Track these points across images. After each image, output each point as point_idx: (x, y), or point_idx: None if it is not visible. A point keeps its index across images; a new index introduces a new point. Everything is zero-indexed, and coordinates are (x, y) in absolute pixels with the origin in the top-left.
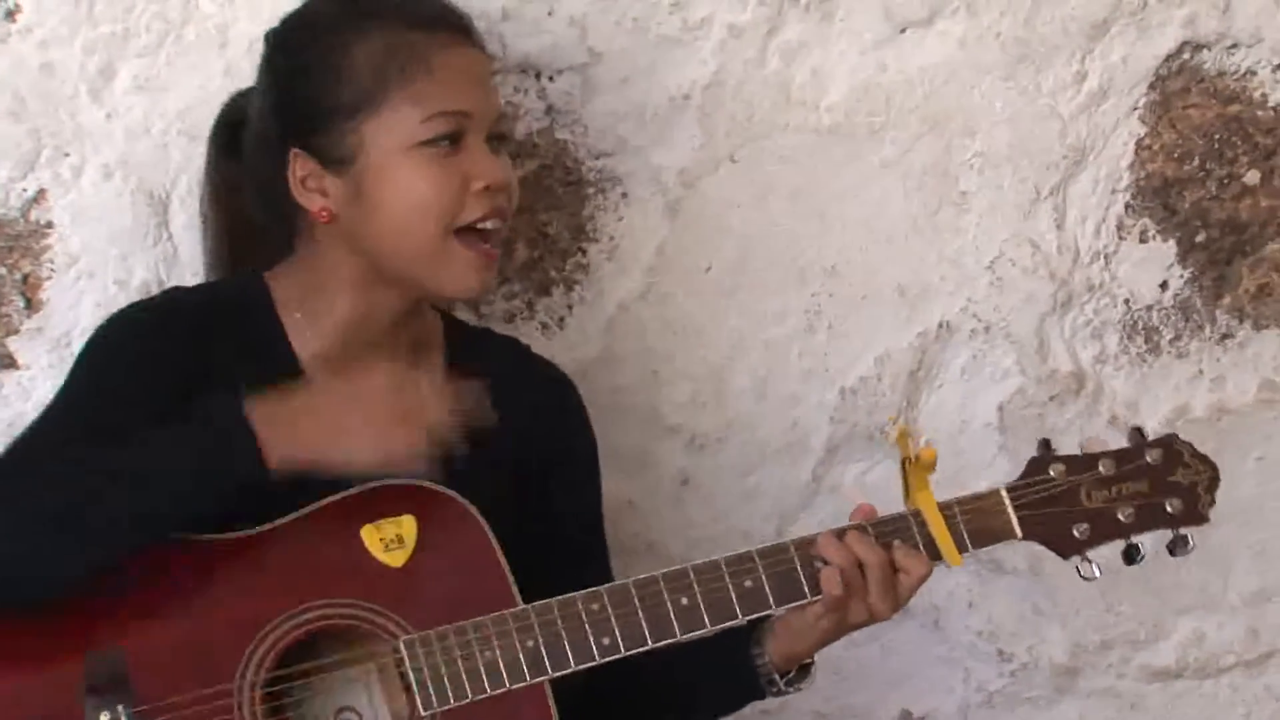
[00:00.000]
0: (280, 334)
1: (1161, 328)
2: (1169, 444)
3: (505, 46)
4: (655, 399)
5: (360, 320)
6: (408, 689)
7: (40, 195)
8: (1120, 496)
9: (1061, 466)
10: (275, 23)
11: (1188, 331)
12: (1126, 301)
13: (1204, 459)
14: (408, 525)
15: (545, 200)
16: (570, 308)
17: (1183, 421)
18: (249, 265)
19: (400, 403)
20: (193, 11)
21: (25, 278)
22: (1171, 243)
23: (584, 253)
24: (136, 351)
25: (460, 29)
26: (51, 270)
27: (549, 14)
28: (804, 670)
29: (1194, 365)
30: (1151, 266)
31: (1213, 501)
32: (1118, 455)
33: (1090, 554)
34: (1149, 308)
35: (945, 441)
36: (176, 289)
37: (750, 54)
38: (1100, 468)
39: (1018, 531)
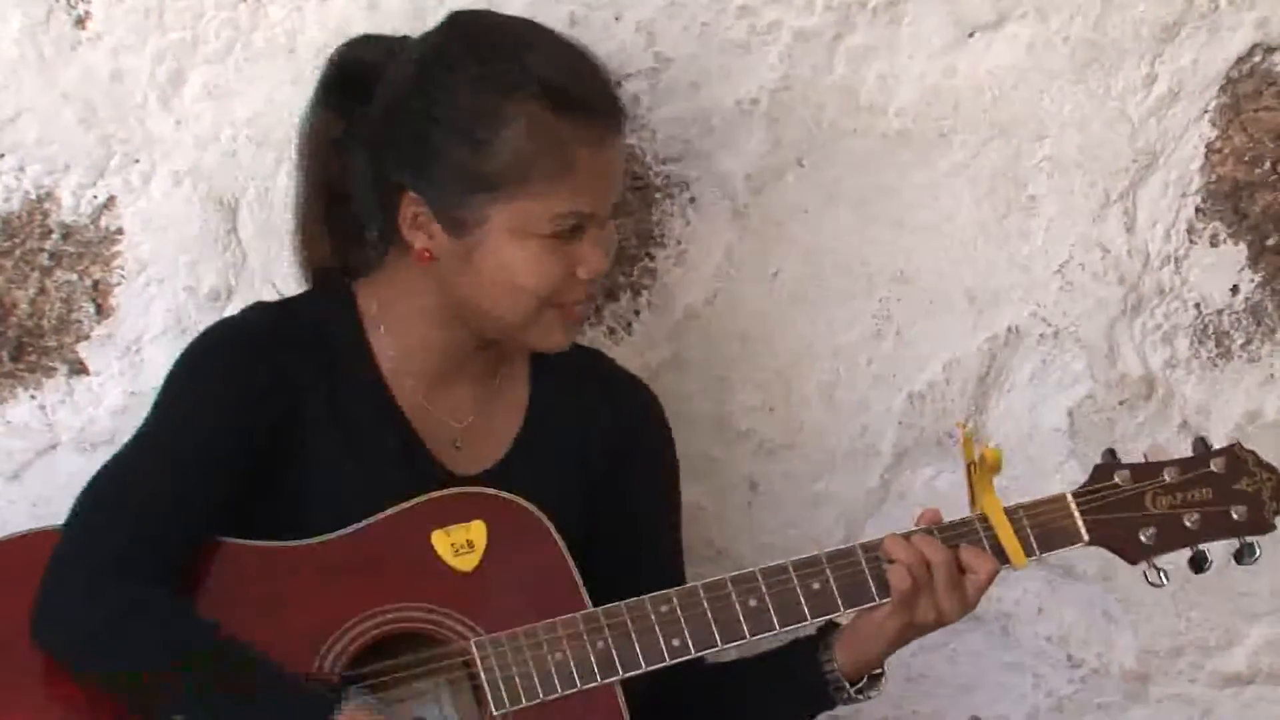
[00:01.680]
0: (365, 349)
1: (1232, 332)
2: (1233, 452)
3: None
4: (723, 404)
5: (443, 347)
6: (478, 689)
7: (110, 202)
8: (1186, 504)
9: (1127, 473)
10: (344, 31)
11: (1259, 336)
12: (1197, 306)
13: (1269, 467)
14: (477, 530)
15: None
16: (638, 313)
17: (1254, 426)
18: (342, 250)
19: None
20: (261, 19)
21: (95, 284)
22: (1242, 246)
23: (651, 258)
24: (224, 374)
25: (609, 115)
26: (121, 277)
27: (616, 19)
28: (874, 679)
29: (1265, 370)
30: (1222, 270)
31: (1278, 510)
32: (1182, 463)
33: (1157, 560)
34: (1220, 312)
35: (1014, 447)
36: (261, 304)
37: (818, 59)
38: (1165, 475)
39: (1084, 535)
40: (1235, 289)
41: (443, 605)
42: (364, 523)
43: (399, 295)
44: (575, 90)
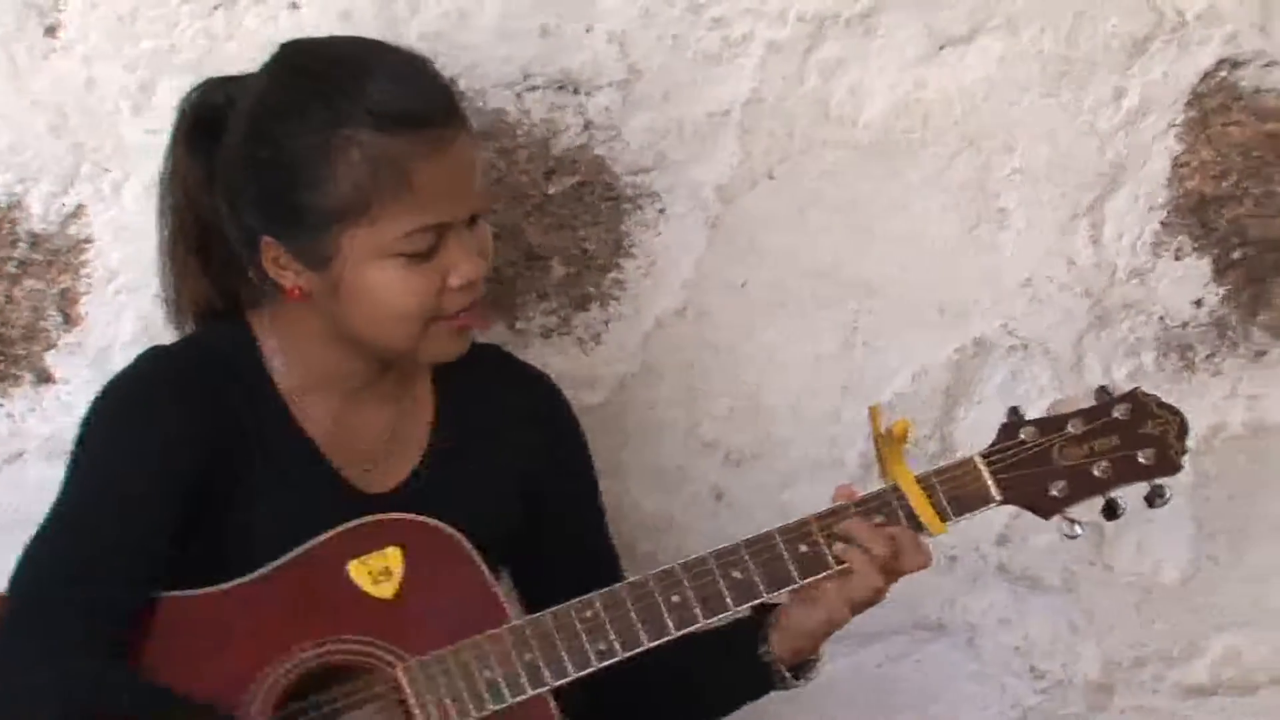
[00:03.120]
0: (268, 380)
1: (1197, 345)
2: (1135, 397)
3: (544, 62)
4: (692, 415)
5: (344, 370)
6: (410, 715)
7: (79, 210)
8: (1094, 453)
9: (1033, 429)
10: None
11: (1223, 349)
12: (1162, 319)
13: (1171, 409)
14: (393, 556)
15: (583, 216)
16: (607, 324)
17: (1219, 439)
18: (231, 283)
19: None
20: (235, 28)
21: (64, 293)
22: (1208, 260)
23: (621, 269)
24: (139, 430)
25: (444, 123)
26: (89, 285)
27: (588, 30)
28: (810, 664)
29: (1229, 383)
30: (1187, 284)
31: (1184, 450)
32: (1086, 413)
33: (1070, 512)
34: (1184, 325)
35: None
36: (156, 350)
37: (790, 70)
38: (1070, 427)
39: (996, 495)
40: (1200, 302)
41: (368, 635)
42: (281, 560)
43: (291, 325)
44: (404, 106)
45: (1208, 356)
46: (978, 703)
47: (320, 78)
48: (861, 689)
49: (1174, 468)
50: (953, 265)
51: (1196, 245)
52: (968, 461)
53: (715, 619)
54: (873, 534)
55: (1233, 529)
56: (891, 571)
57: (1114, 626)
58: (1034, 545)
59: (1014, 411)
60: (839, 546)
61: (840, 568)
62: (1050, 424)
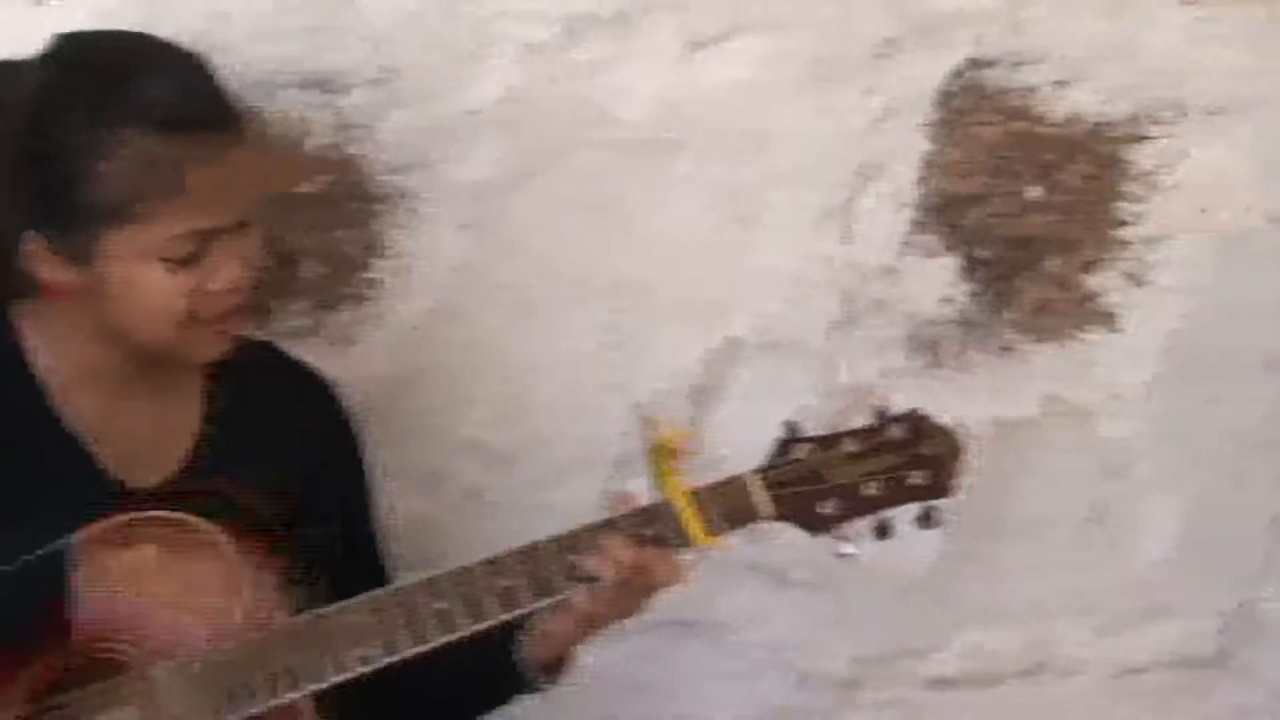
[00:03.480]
0: (30, 375)
1: (945, 342)
2: (912, 418)
3: (297, 61)
4: (450, 416)
5: (111, 364)
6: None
7: None
8: (867, 473)
9: (808, 445)
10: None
11: (971, 346)
12: (911, 316)
13: (947, 431)
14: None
15: (335, 216)
16: (360, 325)
17: (965, 435)
18: None
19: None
20: None
21: None
22: (956, 259)
23: (375, 269)
24: None
25: (222, 128)
26: None
27: (343, 29)
28: (561, 668)
29: (977, 379)
30: (936, 282)
31: (958, 473)
32: (863, 432)
33: (841, 531)
34: (933, 322)
35: (735, 456)
36: None
37: (548, 70)
38: (846, 445)
39: (767, 511)
40: (948, 300)
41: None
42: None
43: (56, 318)
44: (178, 108)
45: (956, 353)
46: (728, 700)
47: (96, 74)
48: (612, 688)
49: (947, 491)
50: (708, 264)
51: (945, 244)
52: (741, 477)
53: (479, 626)
54: (629, 551)
55: (979, 524)
56: (646, 588)
57: (863, 622)
58: (785, 542)
59: (790, 427)
60: (596, 559)
61: (598, 581)
62: (825, 442)
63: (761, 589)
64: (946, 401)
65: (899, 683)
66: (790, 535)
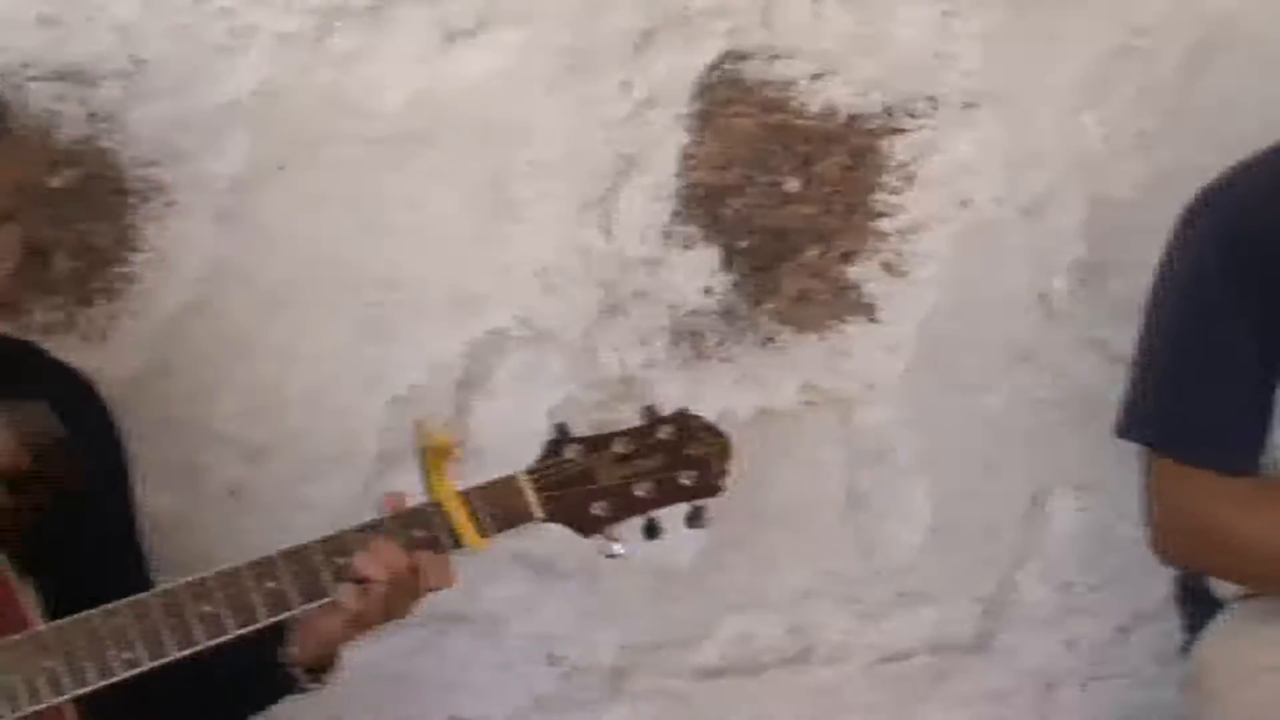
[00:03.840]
0: None
1: (707, 333)
2: (681, 419)
3: (45, 52)
4: (206, 411)
5: None
6: None
7: None
8: (636, 473)
9: (578, 447)
10: None
11: (732, 337)
12: (673, 307)
13: (715, 431)
14: None
15: (87, 210)
16: (114, 319)
17: (729, 425)
18: None
19: None
20: None
21: None
22: (716, 250)
23: (129, 263)
24: None
25: None
26: None
27: (89, 19)
28: (327, 669)
29: (738, 369)
30: (697, 273)
31: (726, 472)
32: (632, 433)
33: (612, 531)
34: (694, 313)
35: (498, 449)
36: None
37: (301, 61)
38: (615, 446)
39: (538, 513)
40: (709, 291)
41: None
42: None
43: None
44: None
45: (718, 344)
46: (498, 692)
47: None
48: (381, 682)
49: (716, 490)
50: (467, 257)
51: (705, 235)
52: (511, 478)
53: (247, 629)
54: (399, 553)
55: (743, 512)
56: (416, 590)
57: (630, 612)
58: (552, 534)
59: (560, 429)
60: (365, 562)
61: (367, 584)
62: (595, 443)
63: (529, 581)
64: (708, 391)
65: (665, 672)
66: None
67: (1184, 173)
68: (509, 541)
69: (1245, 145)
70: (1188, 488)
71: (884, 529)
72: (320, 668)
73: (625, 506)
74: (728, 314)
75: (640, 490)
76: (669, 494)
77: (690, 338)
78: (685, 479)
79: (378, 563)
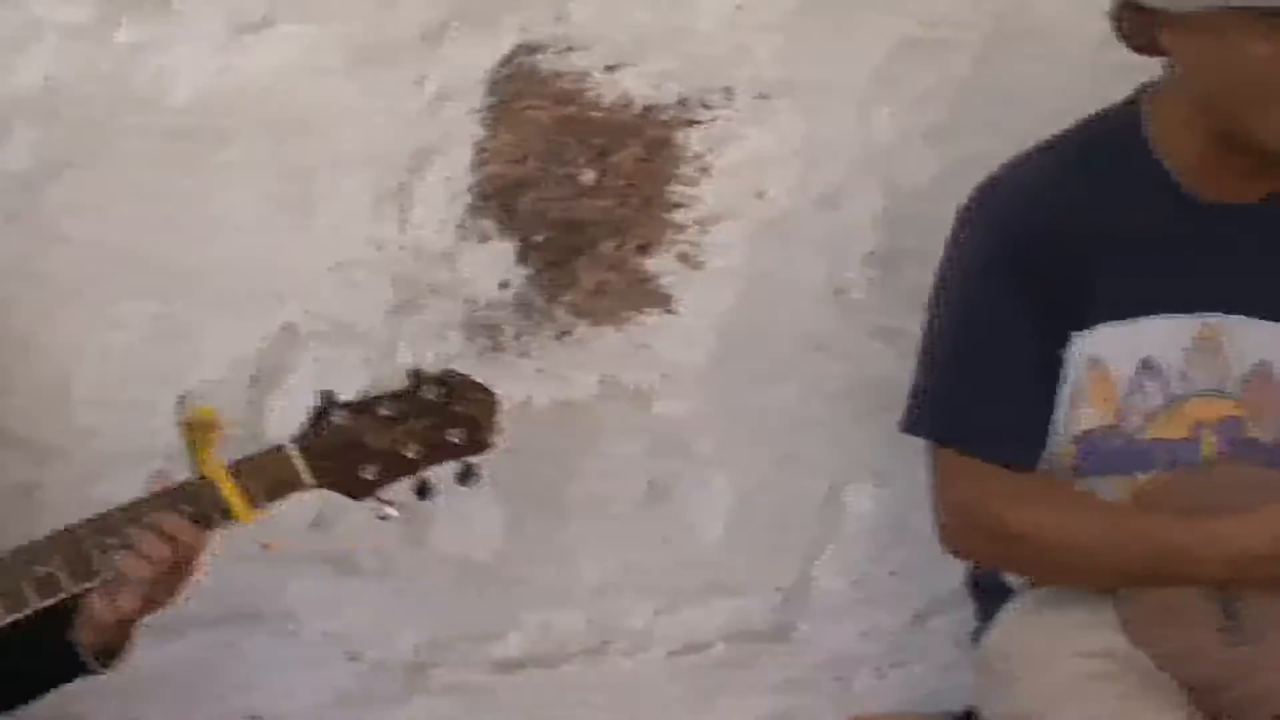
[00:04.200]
0: None
1: (504, 326)
2: (447, 379)
3: None
4: None
5: None
6: None
7: None
8: (405, 435)
9: (344, 413)
10: None
11: (529, 329)
12: (469, 301)
13: (482, 388)
14: None
15: None
16: None
17: (528, 418)
18: None
19: None
20: None
21: None
22: (511, 243)
23: None
24: None
25: None
26: None
27: None
28: (119, 650)
29: (536, 362)
30: (493, 266)
31: (495, 428)
32: (398, 395)
33: (382, 494)
34: (491, 307)
35: None
36: None
37: (87, 54)
38: (382, 409)
39: (308, 480)
40: (506, 284)
41: None
42: None
43: None
44: None
45: (515, 337)
46: (297, 689)
47: None
48: (177, 680)
49: (485, 446)
50: (261, 251)
51: (501, 228)
52: (278, 448)
53: (19, 615)
54: (169, 528)
55: (543, 505)
56: (189, 565)
57: (431, 606)
58: (350, 529)
59: (325, 395)
60: (136, 538)
61: (137, 561)
62: (361, 407)
63: (327, 577)
64: (506, 385)
65: (466, 666)
66: (353, 520)
67: (976, 164)
68: (308, 539)
69: (1035, 136)
70: (971, 482)
71: (683, 520)
72: (109, 652)
73: (395, 468)
74: (524, 307)
75: (409, 451)
76: (439, 453)
77: (487, 331)
78: (454, 437)
79: (147, 540)
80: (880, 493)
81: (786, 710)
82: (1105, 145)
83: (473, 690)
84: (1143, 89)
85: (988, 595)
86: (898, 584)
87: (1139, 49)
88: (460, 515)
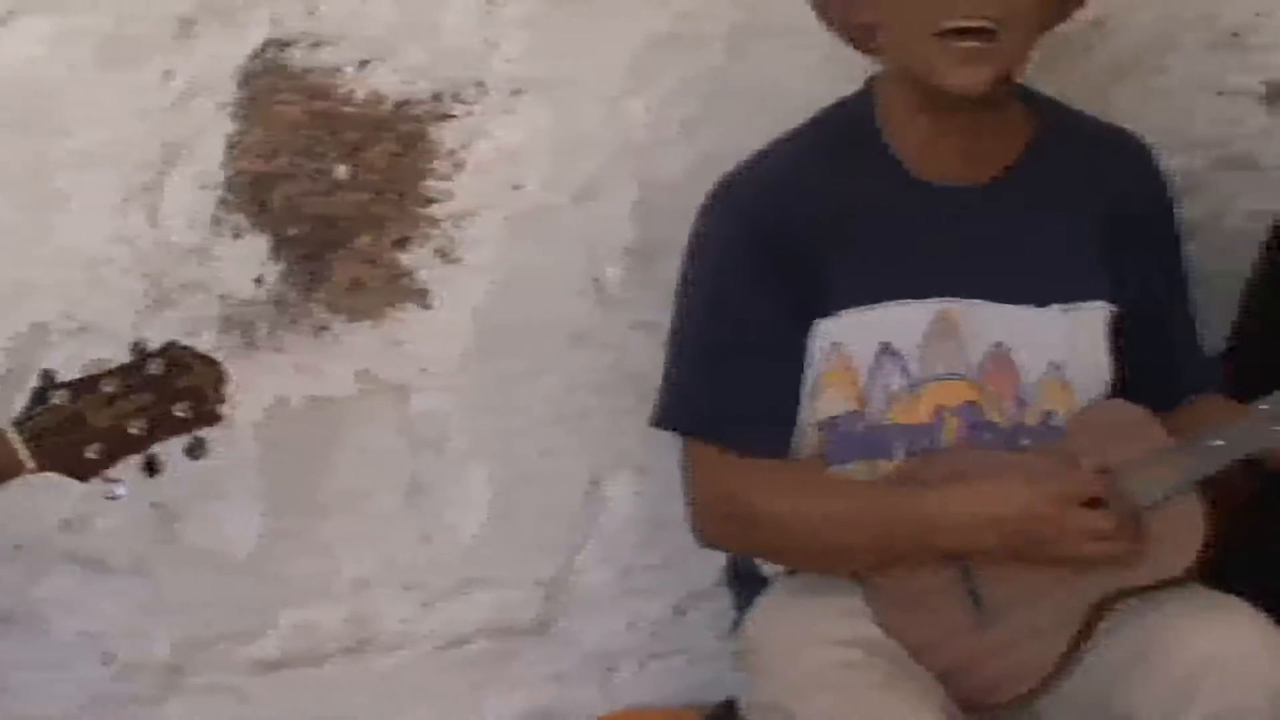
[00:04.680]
0: None
1: (259, 322)
2: (170, 351)
3: None
4: None
5: None
6: None
7: None
8: (129, 411)
9: (65, 392)
10: None
11: (283, 325)
12: (223, 297)
13: (208, 360)
14: None
15: None
16: None
17: (284, 414)
18: None
19: None
20: None
21: None
22: (265, 238)
23: None
24: None
25: None
26: None
27: None
28: None
29: (291, 358)
30: (247, 262)
31: (222, 399)
32: (121, 371)
33: (109, 473)
34: (245, 302)
35: None
36: None
37: None
38: (104, 387)
39: (30, 464)
40: (260, 280)
41: None
42: None
43: None
44: None
45: (270, 333)
46: (49, 691)
47: None
48: None
49: (214, 418)
50: (8, 248)
51: (254, 224)
52: None
53: None
54: None
55: (298, 502)
56: None
57: (187, 605)
58: (102, 528)
59: (46, 375)
60: None
61: None
62: (83, 385)
63: (79, 577)
64: (262, 382)
65: (222, 667)
66: (108, 523)
67: (729, 156)
68: (59, 538)
69: (785, 127)
70: (722, 473)
71: (443, 515)
72: None
73: (120, 446)
74: (279, 303)
75: (134, 428)
76: (165, 428)
77: (241, 328)
78: (180, 411)
79: None
80: (641, 484)
81: (550, 704)
82: (839, 134)
83: (231, 691)
84: (873, 77)
85: (745, 585)
86: (659, 575)
87: (855, 44)
88: (215, 512)
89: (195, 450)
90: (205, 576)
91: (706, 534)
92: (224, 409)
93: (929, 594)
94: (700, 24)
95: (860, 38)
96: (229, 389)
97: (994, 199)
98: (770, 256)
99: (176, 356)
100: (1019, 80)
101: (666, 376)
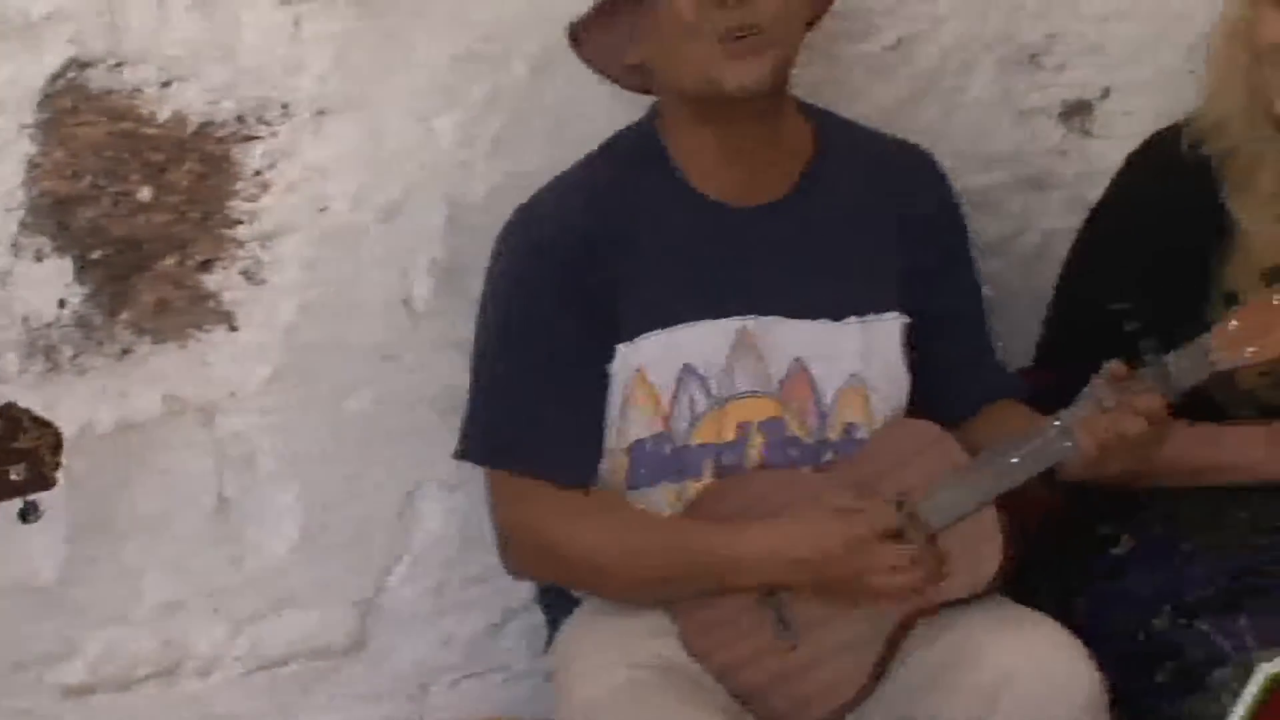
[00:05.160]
0: None
1: (63, 346)
2: (8, 413)
3: None
4: None
5: None
6: None
7: None
8: None
9: None
10: None
11: (89, 348)
12: (26, 320)
13: (44, 423)
14: None
15: None
16: None
17: (90, 439)
18: None
19: None
20: None
21: None
22: (68, 260)
23: None
24: None
25: None
26: None
27: None
28: None
29: (97, 382)
30: (50, 285)
31: (58, 464)
32: None
33: None
34: (48, 326)
35: None
36: None
37: None
38: None
39: None
40: (63, 303)
41: None
42: None
43: None
44: None
45: (73, 357)
46: None
47: None
48: None
49: (47, 483)
50: None
51: (56, 246)
52: None
53: None
54: None
55: (106, 526)
56: None
57: None
58: None
59: None
60: None
61: None
62: None
63: None
64: (66, 406)
65: (30, 693)
66: None
67: (534, 174)
68: None
69: (589, 146)
70: (525, 504)
71: (253, 536)
72: None
73: None
74: (83, 326)
75: None
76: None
77: (45, 351)
78: (15, 474)
79: None
80: (454, 502)
81: None
82: (630, 159)
83: (40, 717)
84: (657, 101)
85: (555, 604)
86: (473, 593)
87: (630, 86)
88: (19, 538)
89: (27, 514)
90: (10, 603)
91: (511, 564)
92: (58, 474)
93: (735, 615)
94: (503, 44)
95: (632, 80)
96: (62, 454)
97: (784, 215)
98: (567, 285)
99: (13, 417)
100: (795, 96)
101: (468, 407)
